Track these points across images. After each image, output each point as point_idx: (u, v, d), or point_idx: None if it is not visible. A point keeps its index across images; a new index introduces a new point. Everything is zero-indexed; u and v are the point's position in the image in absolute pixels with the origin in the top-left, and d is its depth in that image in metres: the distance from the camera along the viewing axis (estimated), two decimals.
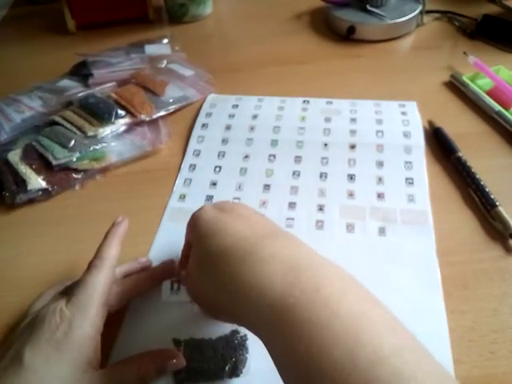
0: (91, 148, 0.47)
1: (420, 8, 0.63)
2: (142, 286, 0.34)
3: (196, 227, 0.29)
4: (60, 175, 0.45)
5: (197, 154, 0.48)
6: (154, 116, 0.51)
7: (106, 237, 0.33)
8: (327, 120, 0.49)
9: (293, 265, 0.23)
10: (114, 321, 0.32)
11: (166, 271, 0.36)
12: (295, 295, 0.21)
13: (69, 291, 0.30)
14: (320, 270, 0.23)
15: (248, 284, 0.23)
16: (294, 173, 0.44)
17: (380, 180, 0.43)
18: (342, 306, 0.21)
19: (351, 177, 0.43)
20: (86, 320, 0.27)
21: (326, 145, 0.47)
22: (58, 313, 0.27)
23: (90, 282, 0.29)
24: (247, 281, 0.23)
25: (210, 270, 0.26)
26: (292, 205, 0.41)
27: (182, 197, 0.43)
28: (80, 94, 0.53)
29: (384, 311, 0.22)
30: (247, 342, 0.32)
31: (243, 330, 0.32)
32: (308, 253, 0.25)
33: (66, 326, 0.26)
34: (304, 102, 0.52)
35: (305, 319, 0.21)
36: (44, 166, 0.45)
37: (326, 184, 0.43)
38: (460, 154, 0.43)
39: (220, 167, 0.46)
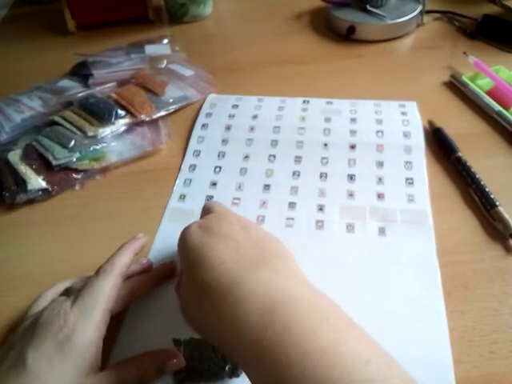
0: (91, 148, 0.47)
1: (420, 8, 0.63)
2: (143, 289, 0.34)
3: (183, 252, 0.29)
4: (60, 175, 0.45)
5: (197, 154, 0.48)
6: (154, 116, 0.51)
7: (121, 246, 0.33)
8: (327, 120, 0.49)
9: (268, 303, 0.23)
10: (114, 321, 0.32)
11: (167, 273, 0.36)
12: (268, 337, 0.22)
13: (74, 293, 0.30)
14: (293, 306, 0.23)
15: (228, 325, 0.23)
16: (293, 173, 0.44)
17: (380, 180, 0.43)
18: (312, 344, 0.21)
19: (351, 177, 0.43)
20: (90, 324, 0.27)
21: (325, 145, 0.47)
22: (61, 315, 0.27)
23: (97, 285, 0.29)
24: (227, 322, 0.24)
25: (195, 304, 0.27)
26: (292, 205, 0.41)
27: (182, 197, 0.43)
28: (80, 94, 0.53)
29: (358, 340, 0.22)
30: None
31: None
32: (285, 286, 0.25)
33: (70, 329, 0.26)
34: (304, 102, 0.52)
35: (276, 360, 0.21)
36: (44, 165, 0.45)
37: (325, 184, 0.43)
38: (460, 154, 0.43)
39: (220, 167, 0.46)
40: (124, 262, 0.32)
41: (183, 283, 0.29)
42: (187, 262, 0.28)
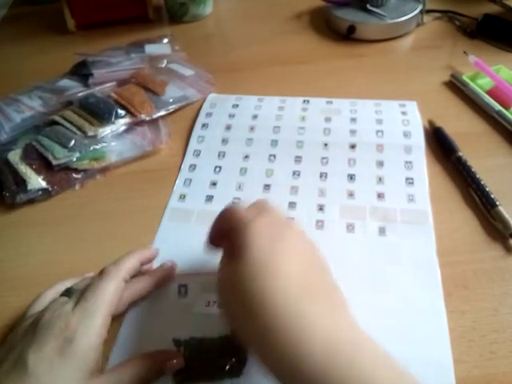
0: (91, 148, 0.47)
1: (420, 7, 0.63)
2: (144, 291, 0.34)
3: (244, 245, 0.26)
4: (60, 175, 0.45)
5: (197, 154, 0.48)
6: (154, 116, 0.51)
7: (129, 252, 0.33)
8: (327, 120, 0.49)
9: (332, 338, 0.23)
10: (114, 321, 0.32)
11: (167, 274, 0.36)
12: (330, 369, 0.22)
13: (74, 293, 0.30)
14: (356, 346, 0.23)
15: (285, 346, 0.23)
16: (294, 173, 0.44)
17: (380, 180, 0.43)
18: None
19: (351, 177, 0.43)
20: (91, 329, 0.27)
21: (326, 145, 0.47)
22: (63, 317, 0.27)
23: (100, 289, 0.29)
24: (285, 344, 0.23)
25: (245, 308, 0.25)
26: (292, 205, 0.41)
27: (182, 197, 0.43)
28: (80, 94, 0.53)
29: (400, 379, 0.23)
30: None
31: None
32: (347, 325, 0.25)
33: (71, 332, 0.26)
34: (304, 101, 0.52)
35: None
36: (44, 165, 0.45)
37: (325, 184, 0.43)
38: (460, 154, 0.43)
39: (220, 167, 0.46)
40: (129, 267, 0.32)
41: (229, 267, 0.27)
42: (245, 260, 0.25)
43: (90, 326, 0.27)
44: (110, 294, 0.29)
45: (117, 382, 0.27)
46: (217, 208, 0.31)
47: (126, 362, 0.29)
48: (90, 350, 0.26)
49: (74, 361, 0.26)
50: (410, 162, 0.44)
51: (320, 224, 0.40)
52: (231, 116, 0.51)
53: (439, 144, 0.46)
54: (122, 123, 0.49)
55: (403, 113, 0.49)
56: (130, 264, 0.32)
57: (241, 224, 0.27)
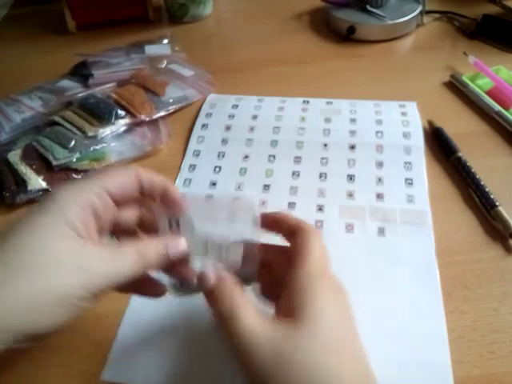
0: (91, 148, 0.47)
1: (420, 8, 0.63)
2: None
3: (312, 309, 0.23)
4: (60, 175, 0.45)
5: (197, 154, 0.48)
6: (154, 116, 0.51)
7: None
8: (327, 120, 0.49)
9: None
10: (114, 319, 0.32)
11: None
12: None
13: None
14: None
15: None
16: (293, 173, 0.44)
17: (380, 180, 0.43)
18: None
19: (351, 177, 0.43)
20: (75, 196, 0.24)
21: (325, 145, 0.47)
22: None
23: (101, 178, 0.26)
24: None
25: None
26: (292, 205, 0.41)
27: None
28: (80, 95, 0.53)
29: None
30: None
31: None
32: None
33: (55, 193, 0.24)
34: (304, 102, 0.52)
35: None
36: (44, 166, 0.45)
37: (325, 184, 0.43)
38: (460, 154, 0.43)
39: (220, 167, 0.46)
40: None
41: (294, 340, 0.23)
42: (318, 328, 0.23)
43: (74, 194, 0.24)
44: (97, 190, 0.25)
45: (119, 263, 0.24)
46: None
47: (127, 243, 0.25)
48: (70, 203, 0.24)
49: (52, 212, 0.23)
50: (410, 163, 0.44)
51: (319, 224, 0.40)
52: (231, 116, 0.51)
53: (439, 144, 0.46)
54: (121, 124, 0.49)
55: (403, 113, 0.49)
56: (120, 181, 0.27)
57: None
